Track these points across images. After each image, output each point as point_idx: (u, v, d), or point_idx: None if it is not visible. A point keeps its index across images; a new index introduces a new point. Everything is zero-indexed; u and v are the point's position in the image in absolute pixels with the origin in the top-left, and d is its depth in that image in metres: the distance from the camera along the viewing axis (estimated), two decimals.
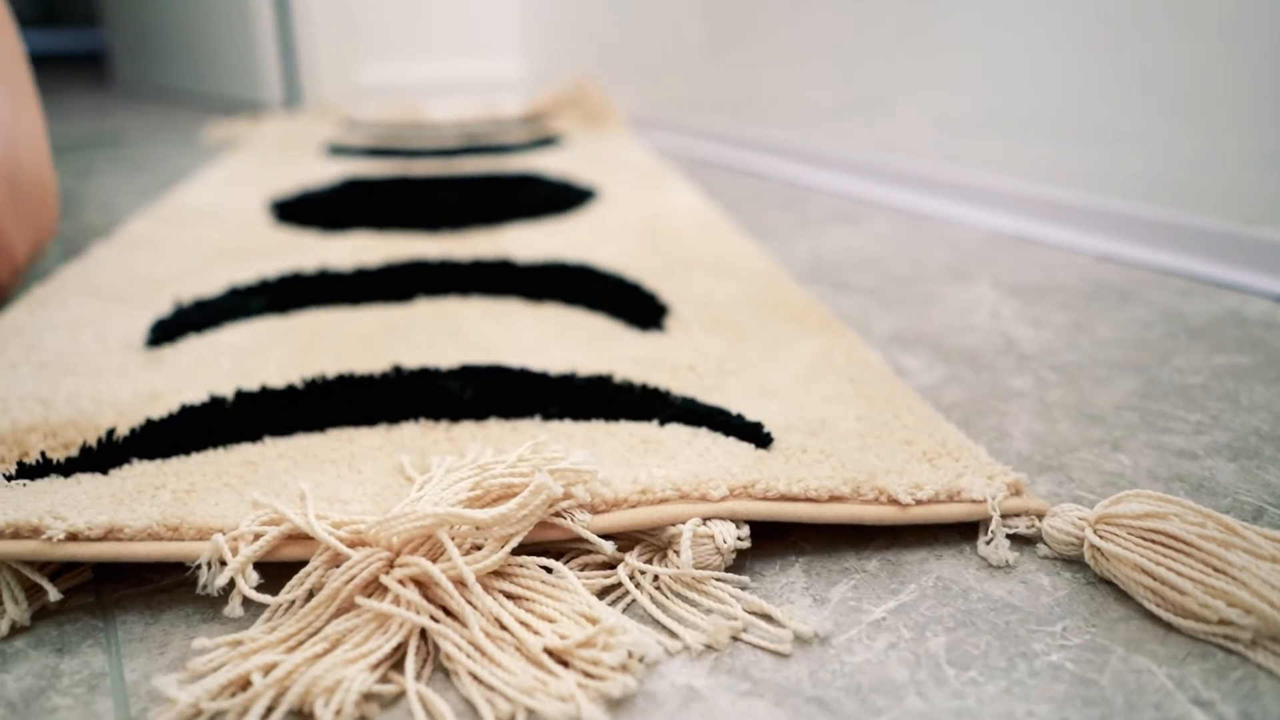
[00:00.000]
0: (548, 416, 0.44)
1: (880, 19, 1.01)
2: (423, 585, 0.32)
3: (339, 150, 1.24)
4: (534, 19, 1.72)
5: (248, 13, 1.66)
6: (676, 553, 0.35)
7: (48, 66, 2.76)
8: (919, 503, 0.37)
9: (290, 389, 0.47)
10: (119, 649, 0.31)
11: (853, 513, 0.36)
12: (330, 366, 0.51)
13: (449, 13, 1.73)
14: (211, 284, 0.66)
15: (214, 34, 1.78)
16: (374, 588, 0.32)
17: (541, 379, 0.49)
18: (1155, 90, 0.75)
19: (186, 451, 0.41)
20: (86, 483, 0.38)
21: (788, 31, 1.14)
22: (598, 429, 0.43)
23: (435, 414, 0.45)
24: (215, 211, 0.90)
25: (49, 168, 0.65)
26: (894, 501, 0.37)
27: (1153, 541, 0.34)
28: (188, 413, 0.45)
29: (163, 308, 0.61)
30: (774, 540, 0.37)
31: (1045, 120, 0.85)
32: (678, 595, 0.34)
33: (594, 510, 0.35)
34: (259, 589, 0.32)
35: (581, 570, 0.35)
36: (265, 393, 0.47)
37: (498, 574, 0.33)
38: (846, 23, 1.05)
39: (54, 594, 0.33)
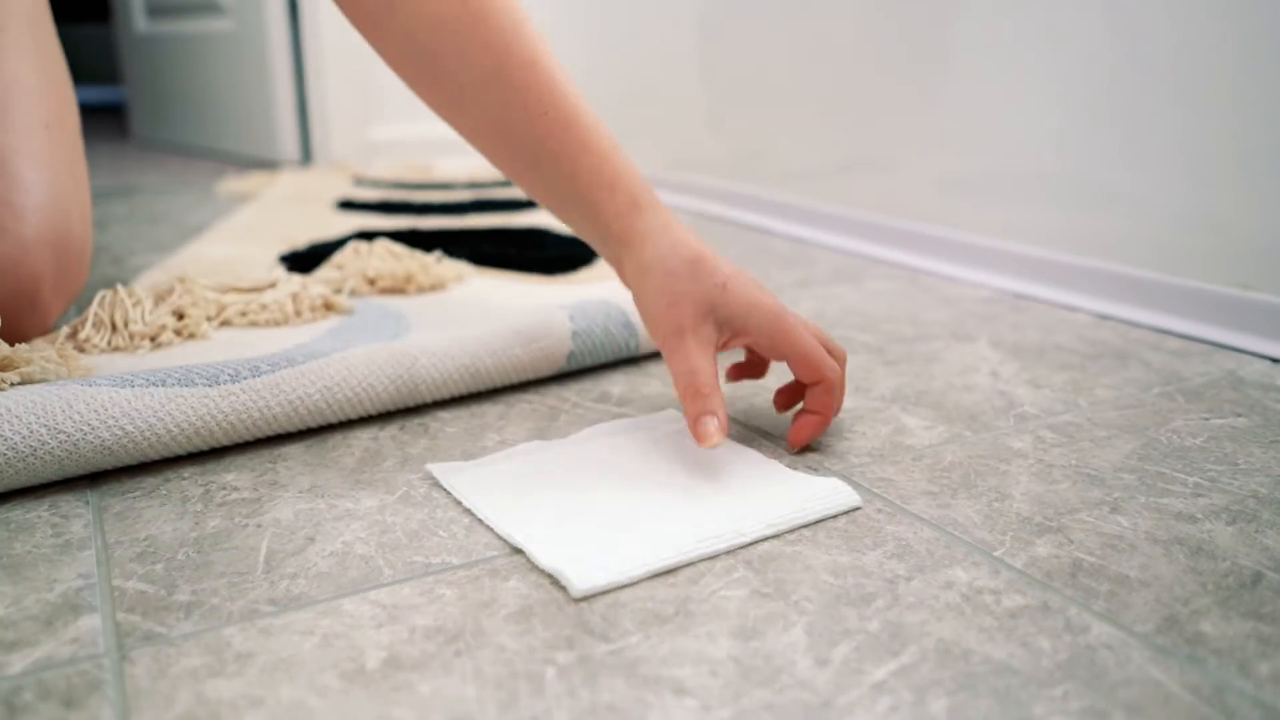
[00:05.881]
0: None
1: (881, 83, 1.04)
2: None
3: (350, 205, 1.26)
4: None
5: (265, 76, 1.71)
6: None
7: None
8: None
9: None
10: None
11: None
12: None
13: None
14: None
15: (231, 95, 1.83)
16: None
17: None
18: (1152, 156, 0.77)
19: None
20: None
21: (791, 94, 1.17)
22: None
23: None
24: (228, 264, 0.91)
25: (89, 235, 0.67)
26: None
27: None
28: None
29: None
30: (776, 601, 0.37)
31: (1043, 183, 0.87)
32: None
33: None
34: None
35: None
36: None
37: None
38: (848, 86, 1.08)
39: None
